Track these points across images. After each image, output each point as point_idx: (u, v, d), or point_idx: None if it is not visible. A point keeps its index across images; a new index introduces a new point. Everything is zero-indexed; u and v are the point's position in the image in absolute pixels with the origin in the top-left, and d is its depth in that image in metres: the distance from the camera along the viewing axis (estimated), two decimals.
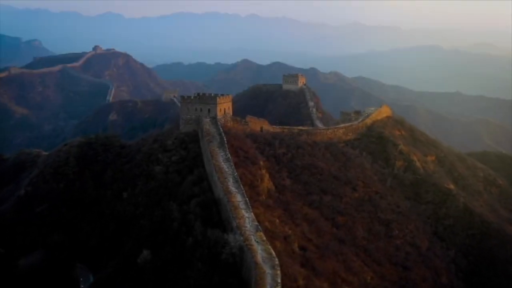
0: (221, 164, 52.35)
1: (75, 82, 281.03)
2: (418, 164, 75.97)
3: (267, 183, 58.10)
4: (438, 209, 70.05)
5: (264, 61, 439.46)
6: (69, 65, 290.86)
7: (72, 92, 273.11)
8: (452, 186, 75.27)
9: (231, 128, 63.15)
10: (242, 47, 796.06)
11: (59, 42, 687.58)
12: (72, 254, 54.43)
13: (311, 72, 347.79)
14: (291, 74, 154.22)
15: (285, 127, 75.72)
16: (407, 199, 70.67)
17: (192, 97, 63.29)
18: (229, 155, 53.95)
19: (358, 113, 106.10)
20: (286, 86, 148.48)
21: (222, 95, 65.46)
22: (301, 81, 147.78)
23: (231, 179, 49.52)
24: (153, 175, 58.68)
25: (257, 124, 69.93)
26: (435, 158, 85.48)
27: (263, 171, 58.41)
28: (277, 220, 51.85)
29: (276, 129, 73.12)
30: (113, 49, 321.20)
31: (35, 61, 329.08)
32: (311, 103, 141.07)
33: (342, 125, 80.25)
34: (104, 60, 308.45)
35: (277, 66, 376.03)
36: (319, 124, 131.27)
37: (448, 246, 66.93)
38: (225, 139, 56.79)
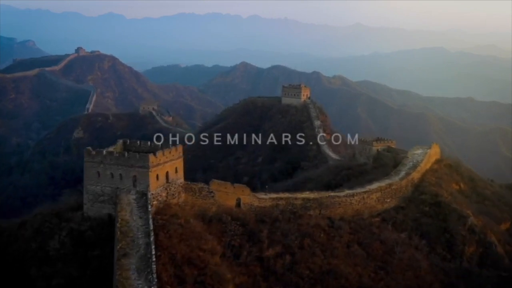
0: None
1: (53, 87, 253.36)
2: (499, 249, 46.38)
3: None
4: None
5: (265, 62, 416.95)
6: (47, 68, 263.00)
7: (49, 99, 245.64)
8: None
9: (179, 211, 33.67)
10: (244, 48, 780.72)
11: (59, 43, 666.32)
12: None
13: (314, 76, 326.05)
14: (293, 85, 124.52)
15: (280, 195, 42.60)
16: None
17: (105, 152, 33.47)
18: None
19: (380, 140, 78.03)
20: (286, 100, 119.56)
21: (166, 148, 35.65)
22: (305, 94, 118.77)
23: None
24: None
25: (230, 195, 37.77)
26: (511, 225, 55.91)
27: None
28: None
29: (265, 200, 41.07)
30: (98, 51, 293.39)
31: (15, 63, 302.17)
32: (317, 122, 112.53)
33: (376, 185, 47.55)
34: (87, 63, 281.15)
35: (277, 69, 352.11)
36: (327, 151, 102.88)
37: None
38: (153, 249, 27.35)
